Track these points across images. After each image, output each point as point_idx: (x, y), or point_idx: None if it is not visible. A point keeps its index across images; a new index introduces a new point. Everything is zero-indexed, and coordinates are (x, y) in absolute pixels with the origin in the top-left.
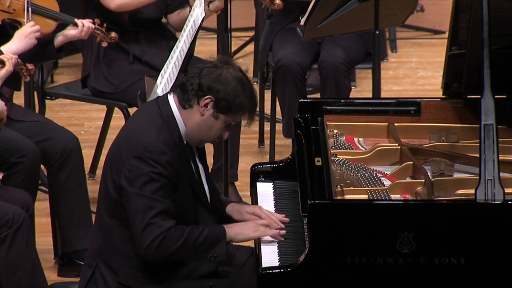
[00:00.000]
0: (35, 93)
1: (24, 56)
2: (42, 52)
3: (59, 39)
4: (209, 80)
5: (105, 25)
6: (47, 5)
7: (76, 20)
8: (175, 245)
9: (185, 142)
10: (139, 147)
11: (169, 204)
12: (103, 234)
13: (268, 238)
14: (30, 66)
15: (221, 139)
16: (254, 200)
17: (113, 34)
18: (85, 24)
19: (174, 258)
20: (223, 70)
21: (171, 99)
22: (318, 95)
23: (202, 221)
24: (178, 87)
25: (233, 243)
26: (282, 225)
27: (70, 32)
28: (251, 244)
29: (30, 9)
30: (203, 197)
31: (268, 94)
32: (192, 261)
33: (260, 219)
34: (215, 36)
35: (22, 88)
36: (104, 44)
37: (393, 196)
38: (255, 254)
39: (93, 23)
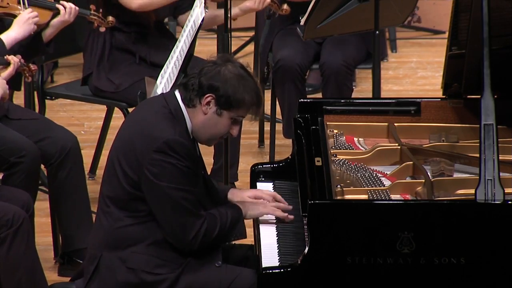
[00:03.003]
0: (35, 93)
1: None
2: (31, 48)
3: (48, 31)
4: (208, 78)
5: (101, 10)
6: None
7: (57, 5)
8: (214, 233)
9: (191, 137)
10: (159, 141)
11: (196, 193)
12: (112, 225)
13: (268, 236)
14: (33, 67)
15: (231, 136)
16: None
17: (110, 18)
18: (67, 5)
19: (212, 243)
20: (221, 67)
21: (178, 94)
22: (318, 95)
23: (207, 208)
24: (182, 86)
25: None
26: (287, 207)
27: (55, 20)
28: (250, 240)
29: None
30: (208, 186)
31: (268, 94)
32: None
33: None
34: (215, 36)
35: (22, 88)
36: (102, 29)
37: (393, 196)
38: (255, 254)
39: (89, 9)
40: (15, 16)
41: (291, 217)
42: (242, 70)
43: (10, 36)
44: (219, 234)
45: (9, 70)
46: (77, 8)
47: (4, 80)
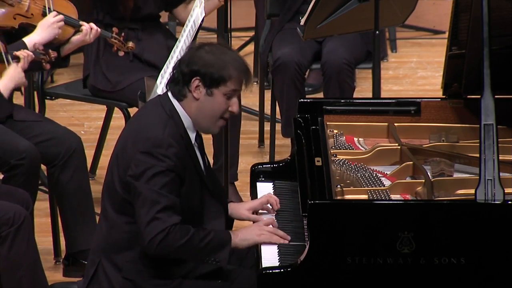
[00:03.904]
0: (35, 93)
1: (31, 64)
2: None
3: (66, 47)
4: (187, 65)
5: (123, 34)
6: (67, 11)
7: (80, 22)
8: (178, 243)
9: (194, 135)
10: (146, 142)
11: (175, 199)
12: (109, 230)
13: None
14: (52, 53)
15: (232, 113)
16: None
17: (130, 44)
18: (90, 26)
19: (175, 255)
20: (197, 51)
21: (170, 95)
22: (318, 95)
23: (209, 209)
24: (170, 83)
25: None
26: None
27: (75, 37)
28: None
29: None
30: (209, 185)
31: (268, 94)
32: (192, 262)
33: (263, 220)
34: (215, 36)
35: (22, 88)
36: (121, 54)
37: (393, 196)
38: (255, 251)
39: (111, 31)
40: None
41: (288, 239)
42: (217, 45)
43: (33, 39)
44: (187, 248)
45: (21, 65)
46: (98, 29)
47: (20, 69)
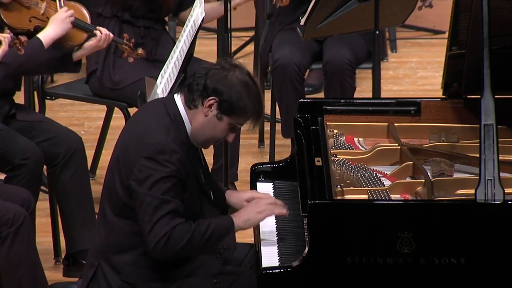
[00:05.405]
0: (35, 93)
1: (43, 68)
2: (61, 65)
3: (79, 52)
4: (214, 81)
5: (132, 40)
6: (81, 16)
7: (95, 30)
8: (181, 242)
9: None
10: (150, 147)
11: (178, 203)
12: (108, 233)
13: (268, 236)
14: (23, 38)
15: (227, 141)
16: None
17: (140, 50)
18: (103, 32)
19: (182, 254)
20: (229, 73)
21: (178, 99)
22: (318, 95)
23: (208, 215)
24: (186, 87)
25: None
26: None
27: (88, 42)
28: (250, 240)
29: None
30: (208, 193)
31: (268, 94)
32: (200, 257)
33: (258, 195)
34: (215, 36)
35: (22, 88)
36: (130, 60)
37: (393, 196)
38: (255, 251)
39: (122, 37)
40: None
41: (286, 209)
42: (248, 77)
43: (48, 35)
44: (191, 244)
45: (2, 48)
46: (111, 35)
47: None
